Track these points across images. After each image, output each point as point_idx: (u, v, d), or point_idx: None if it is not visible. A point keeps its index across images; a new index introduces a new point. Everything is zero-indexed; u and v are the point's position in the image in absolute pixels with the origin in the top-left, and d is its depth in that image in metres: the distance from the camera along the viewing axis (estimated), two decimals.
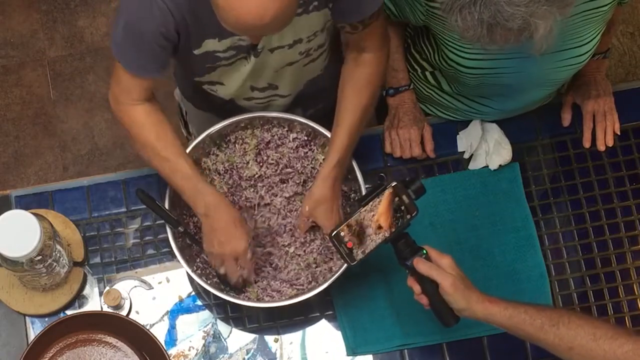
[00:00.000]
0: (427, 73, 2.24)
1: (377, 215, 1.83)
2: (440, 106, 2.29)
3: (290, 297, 2.03)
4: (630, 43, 3.35)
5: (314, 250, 2.10)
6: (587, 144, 2.27)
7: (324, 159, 2.04)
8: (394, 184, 1.84)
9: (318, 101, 2.17)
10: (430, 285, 1.81)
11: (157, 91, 2.00)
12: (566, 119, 2.29)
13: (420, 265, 1.82)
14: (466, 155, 2.27)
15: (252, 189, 2.13)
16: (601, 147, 2.27)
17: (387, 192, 1.83)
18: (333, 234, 1.81)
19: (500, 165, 2.23)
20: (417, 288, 1.83)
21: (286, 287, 2.08)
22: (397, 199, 1.83)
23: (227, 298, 2.00)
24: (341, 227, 1.82)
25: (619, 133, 2.28)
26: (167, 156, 1.93)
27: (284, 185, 2.14)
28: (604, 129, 2.27)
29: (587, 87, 2.27)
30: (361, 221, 1.82)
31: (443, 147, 2.26)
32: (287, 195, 2.13)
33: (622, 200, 2.26)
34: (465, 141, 2.27)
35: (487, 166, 2.25)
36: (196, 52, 1.89)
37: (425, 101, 2.30)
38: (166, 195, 2.05)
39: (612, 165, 2.28)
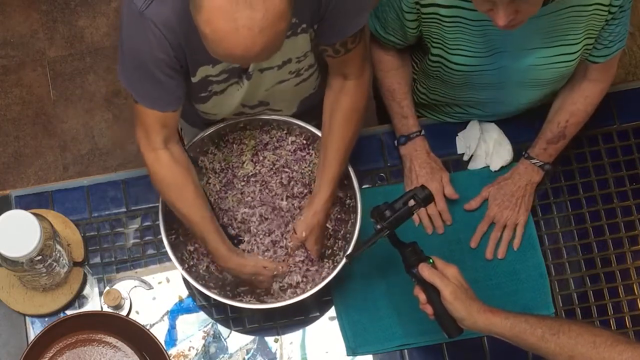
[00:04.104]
0: (417, 85, 2.24)
1: None
2: (435, 111, 2.29)
3: (288, 297, 2.04)
4: (630, 43, 3.35)
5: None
6: (472, 244, 2.19)
7: (315, 187, 2.05)
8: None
9: (312, 119, 2.16)
10: (434, 294, 1.83)
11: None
12: (471, 205, 2.21)
13: (424, 271, 1.83)
14: (465, 157, 2.27)
15: (242, 183, 2.13)
16: (489, 256, 2.19)
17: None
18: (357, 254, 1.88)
19: (502, 167, 2.23)
20: (422, 297, 1.85)
21: (282, 285, 2.09)
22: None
23: (221, 299, 2.00)
24: (359, 251, 1.87)
25: (503, 254, 2.19)
26: (186, 214, 1.98)
27: (277, 178, 2.13)
28: (495, 240, 2.19)
29: (507, 196, 2.18)
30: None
31: (442, 148, 2.26)
32: (279, 191, 2.13)
33: (622, 200, 2.26)
34: (463, 143, 2.27)
35: (488, 166, 2.25)
36: (193, 79, 1.91)
37: (419, 107, 2.29)
38: (160, 200, 2.05)
39: (612, 165, 2.28)
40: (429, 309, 1.85)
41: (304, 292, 2.03)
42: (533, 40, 1.98)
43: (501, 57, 2.01)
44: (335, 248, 2.12)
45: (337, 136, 2.02)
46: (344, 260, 2.00)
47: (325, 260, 2.10)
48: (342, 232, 2.12)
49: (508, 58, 2.01)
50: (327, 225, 2.12)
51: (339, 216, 2.14)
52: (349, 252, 1.97)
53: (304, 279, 2.07)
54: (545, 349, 1.75)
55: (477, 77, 2.06)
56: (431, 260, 1.85)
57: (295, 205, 2.11)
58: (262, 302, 2.07)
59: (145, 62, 1.81)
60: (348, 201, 2.12)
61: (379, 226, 1.87)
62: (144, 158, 1.96)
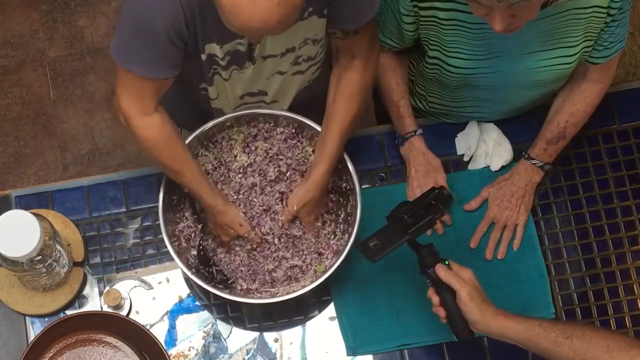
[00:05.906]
0: (415, 87, 2.24)
1: None
2: (433, 114, 2.29)
3: (286, 291, 2.05)
4: (630, 43, 3.35)
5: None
6: (472, 244, 2.20)
7: (313, 163, 2.06)
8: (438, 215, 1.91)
9: (309, 111, 2.16)
10: (449, 296, 1.83)
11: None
12: (471, 205, 2.22)
13: (441, 271, 1.83)
14: (466, 158, 2.26)
15: (240, 175, 2.14)
16: (488, 256, 2.19)
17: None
18: (377, 259, 1.87)
19: (502, 167, 2.23)
20: (435, 299, 1.85)
21: (276, 278, 2.09)
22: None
23: (225, 296, 2.00)
24: (384, 252, 1.86)
25: (502, 254, 2.20)
26: (180, 171, 1.99)
27: (274, 166, 2.14)
28: (495, 240, 2.19)
29: (507, 196, 2.18)
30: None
31: (442, 148, 2.26)
32: (275, 176, 2.13)
33: (622, 200, 2.26)
34: (463, 144, 2.27)
35: (488, 166, 2.25)
36: (203, 56, 1.90)
37: (417, 112, 2.29)
38: (162, 184, 2.05)
39: (612, 165, 2.28)
40: (441, 312, 1.85)
41: (304, 285, 2.03)
42: (532, 43, 1.98)
43: (500, 60, 2.01)
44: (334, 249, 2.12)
45: (338, 114, 2.01)
46: (343, 255, 2.00)
47: (325, 260, 2.11)
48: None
49: (507, 61, 2.01)
50: (327, 220, 2.11)
51: (335, 199, 2.14)
52: (366, 244, 1.91)
53: (307, 265, 2.08)
54: (559, 352, 1.74)
55: (475, 80, 2.06)
56: (447, 262, 1.85)
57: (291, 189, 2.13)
58: (263, 297, 2.07)
59: (156, 29, 1.79)
60: (344, 185, 2.11)
61: (391, 221, 1.89)
62: (132, 123, 1.92)
